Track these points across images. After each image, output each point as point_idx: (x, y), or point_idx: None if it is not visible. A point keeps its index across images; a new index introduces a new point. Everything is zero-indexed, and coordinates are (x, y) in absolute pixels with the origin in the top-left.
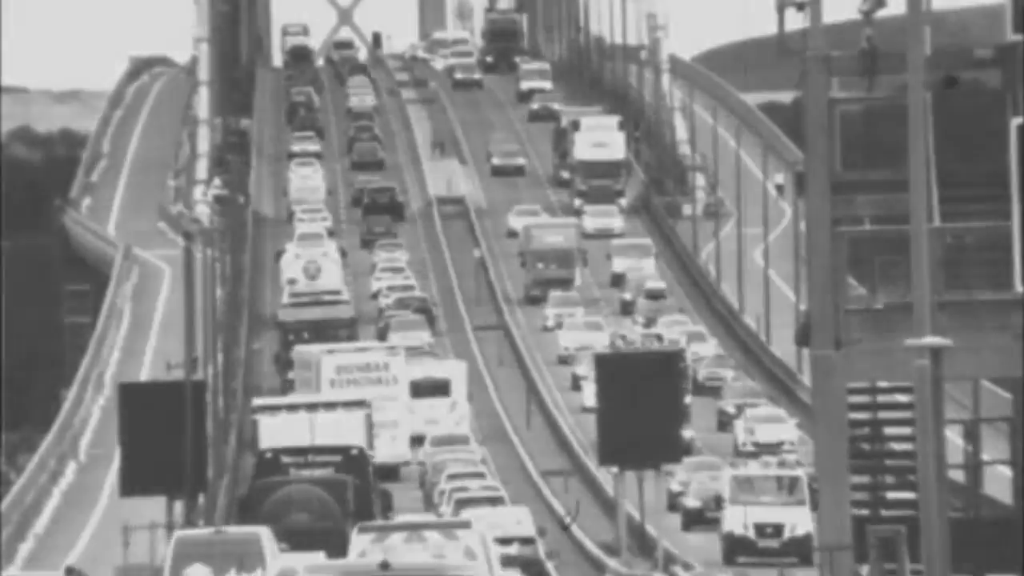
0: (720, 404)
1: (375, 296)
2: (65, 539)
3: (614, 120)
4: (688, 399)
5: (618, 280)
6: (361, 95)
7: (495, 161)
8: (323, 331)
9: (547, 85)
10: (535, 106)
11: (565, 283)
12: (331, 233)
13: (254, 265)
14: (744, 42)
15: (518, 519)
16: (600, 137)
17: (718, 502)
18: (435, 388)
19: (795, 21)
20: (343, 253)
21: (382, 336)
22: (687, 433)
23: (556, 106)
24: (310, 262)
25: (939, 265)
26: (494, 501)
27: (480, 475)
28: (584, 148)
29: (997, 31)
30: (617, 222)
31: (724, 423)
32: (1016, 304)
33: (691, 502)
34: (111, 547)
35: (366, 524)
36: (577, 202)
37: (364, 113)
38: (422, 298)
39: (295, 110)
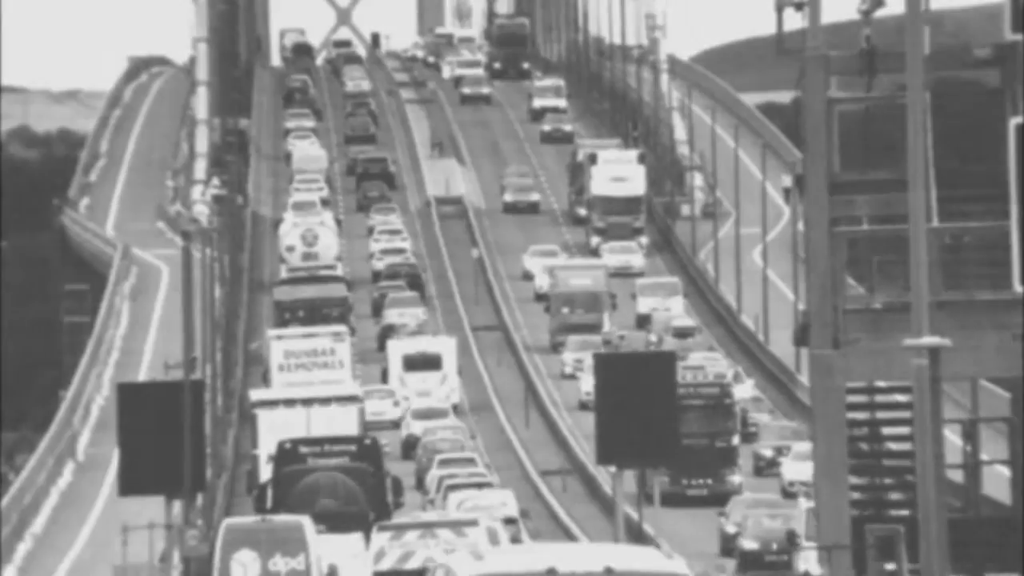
0: (756, 448)
1: (372, 257)
2: (63, 539)
3: (633, 154)
4: (736, 440)
5: (643, 321)
6: (357, 80)
7: (507, 197)
8: (317, 310)
9: (561, 103)
10: (547, 128)
11: (592, 329)
12: (326, 202)
13: (253, 265)
14: (743, 42)
15: (503, 501)
16: (619, 171)
17: (791, 539)
18: (427, 362)
19: (794, 21)
20: (338, 222)
21: (377, 309)
22: (735, 478)
23: (568, 127)
24: (307, 230)
25: (937, 265)
26: (481, 486)
27: (470, 461)
28: (602, 183)
29: (996, 31)
30: (637, 260)
31: (761, 467)
32: (1014, 304)
33: (748, 544)
34: (109, 547)
35: (384, 523)
36: (594, 240)
37: (359, 93)
38: (412, 264)
39: (292, 95)
